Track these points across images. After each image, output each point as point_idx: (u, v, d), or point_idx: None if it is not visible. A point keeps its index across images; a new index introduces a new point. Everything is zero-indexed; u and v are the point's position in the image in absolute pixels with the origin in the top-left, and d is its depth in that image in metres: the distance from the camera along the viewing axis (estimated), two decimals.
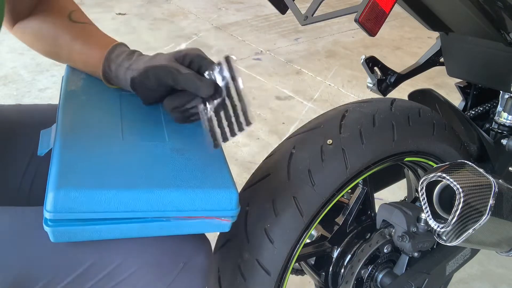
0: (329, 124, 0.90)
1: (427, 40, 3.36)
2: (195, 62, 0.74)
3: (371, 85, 1.20)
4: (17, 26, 0.84)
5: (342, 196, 0.94)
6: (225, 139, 0.71)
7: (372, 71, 1.18)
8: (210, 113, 0.72)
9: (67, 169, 0.61)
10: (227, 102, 0.71)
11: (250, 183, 0.88)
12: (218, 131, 0.71)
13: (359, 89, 2.75)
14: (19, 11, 0.83)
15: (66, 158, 0.63)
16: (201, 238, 0.75)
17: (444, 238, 0.82)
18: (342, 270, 1.01)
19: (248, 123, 0.70)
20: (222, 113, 0.71)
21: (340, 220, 1.02)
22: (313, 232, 1.04)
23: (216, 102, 0.72)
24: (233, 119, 0.71)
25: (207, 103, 0.72)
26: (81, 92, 0.78)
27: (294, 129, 1.45)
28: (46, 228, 0.60)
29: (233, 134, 0.71)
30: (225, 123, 0.71)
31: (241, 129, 0.70)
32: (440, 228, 0.81)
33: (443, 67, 1.24)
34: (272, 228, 0.82)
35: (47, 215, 0.59)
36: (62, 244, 0.65)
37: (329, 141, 0.86)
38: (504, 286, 1.58)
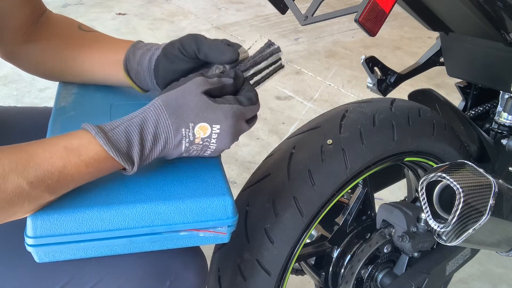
0: (329, 124, 0.90)
1: (427, 40, 3.36)
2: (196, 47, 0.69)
3: (371, 85, 1.20)
4: (18, 51, 0.81)
5: (342, 196, 0.94)
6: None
7: (372, 71, 1.18)
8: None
9: None
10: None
11: (250, 183, 0.88)
12: None
13: (359, 89, 2.75)
14: (10, 36, 0.79)
15: None
16: (193, 252, 0.70)
17: (444, 238, 0.82)
18: (342, 270, 1.00)
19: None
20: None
21: (340, 220, 1.02)
22: (313, 232, 1.04)
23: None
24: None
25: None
26: (71, 107, 0.77)
27: (294, 129, 1.45)
28: (29, 249, 0.57)
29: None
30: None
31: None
32: (440, 228, 0.81)
33: (443, 67, 1.24)
34: (272, 228, 0.82)
35: (28, 241, 0.56)
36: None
37: (329, 141, 0.86)
38: (504, 286, 1.58)
